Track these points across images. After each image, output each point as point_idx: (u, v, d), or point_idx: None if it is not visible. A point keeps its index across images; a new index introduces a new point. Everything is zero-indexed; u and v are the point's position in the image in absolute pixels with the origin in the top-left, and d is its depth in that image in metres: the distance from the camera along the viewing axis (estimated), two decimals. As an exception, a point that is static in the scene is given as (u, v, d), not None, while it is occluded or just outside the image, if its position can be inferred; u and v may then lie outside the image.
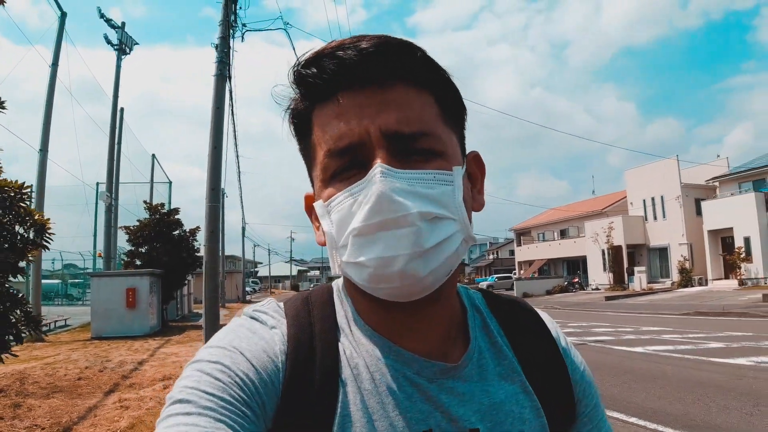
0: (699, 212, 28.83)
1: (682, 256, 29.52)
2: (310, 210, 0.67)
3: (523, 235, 47.72)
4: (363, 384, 0.59)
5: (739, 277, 25.37)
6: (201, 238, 15.76)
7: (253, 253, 73.14)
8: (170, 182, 29.83)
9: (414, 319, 0.62)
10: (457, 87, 0.63)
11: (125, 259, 18.47)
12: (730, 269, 26.93)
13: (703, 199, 29.33)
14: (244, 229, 49.04)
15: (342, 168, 0.58)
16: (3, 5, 5.42)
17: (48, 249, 4.82)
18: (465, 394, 0.62)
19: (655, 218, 31.96)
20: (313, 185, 0.65)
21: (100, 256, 21.02)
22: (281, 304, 0.67)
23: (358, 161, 0.57)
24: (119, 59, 19.26)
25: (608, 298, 25.53)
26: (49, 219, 4.61)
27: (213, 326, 9.24)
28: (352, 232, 0.56)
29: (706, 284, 27.90)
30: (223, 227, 30.38)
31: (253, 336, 0.60)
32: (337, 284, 0.69)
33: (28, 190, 4.44)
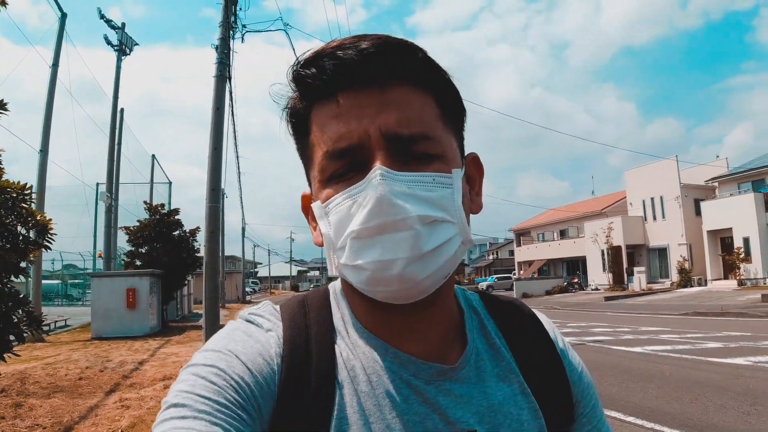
0: (698, 213, 28.86)
1: (681, 256, 29.55)
2: (307, 210, 0.67)
3: (522, 235, 47.74)
4: (360, 386, 0.59)
5: (738, 278, 25.40)
6: (201, 239, 15.78)
7: (253, 253, 73.27)
8: (170, 182, 29.85)
9: (411, 321, 0.61)
10: (457, 88, 0.63)
11: (125, 259, 18.49)
12: (729, 269, 26.95)
13: (702, 200, 29.35)
14: (244, 229, 49.11)
15: (341, 169, 0.58)
16: (5, 6, 5.45)
17: (50, 249, 4.86)
18: (463, 396, 0.61)
19: (655, 219, 31.98)
20: (310, 185, 0.65)
21: (100, 256, 21.06)
22: (277, 307, 0.67)
23: (358, 162, 0.56)
24: (119, 60, 19.29)
25: (607, 299, 25.56)
26: (51, 219, 4.65)
27: (213, 326, 9.27)
28: (351, 235, 0.55)
29: (706, 284, 27.92)
30: (223, 228, 30.39)
31: (248, 339, 0.60)
32: (334, 287, 0.69)
33: (30, 191, 4.48)
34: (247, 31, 11.66)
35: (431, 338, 0.63)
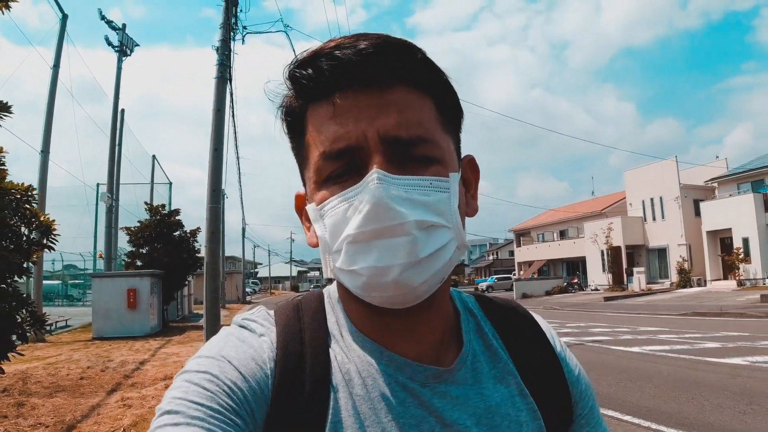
0: (698, 213, 28.89)
1: (681, 256, 29.58)
2: (300, 210, 0.66)
3: (522, 235, 47.77)
4: (355, 389, 0.59)
5: (737, 278, 25.43)
6: (202, 239, 15.81)
7: (253, 253, 73.35)
8: (170, 183, 29.91)
9: (406, 324, 0.61)
10: (455, 90, 0.62)
11: (126, 259, 18.55)
12: (728, 270, 26.99)
13: (702, 200, 29.39)
14: (244, 230, 49.20)
15: (337, 171, 0.57)
16: (8, 9, 5.50)
17: (54, 250, 4.90)
18: (459, 398, 0.61)
19: (654, 219, 32.02)
20: (304, 185, 0.64)
21: (100, 256, 21.09)
22: (271, 312, 0.66)
23: (354, 164, 0.56)
24: (120, 61, 19.31)
25: (607, 299, 25.56)
26: (54, 220, 4.69)
27: (213, 327, 9.31)
28: (347, 239, 0.55)
29: (705, 285, 27.95)
30: (224, 228, 30.43)
31: (241, 344, 0.59)
32: (328, 290, 0.69)
33: (34, 192, 4.53)
34: (247, 33, 11.72)
35: (427, 341, 0.63)
